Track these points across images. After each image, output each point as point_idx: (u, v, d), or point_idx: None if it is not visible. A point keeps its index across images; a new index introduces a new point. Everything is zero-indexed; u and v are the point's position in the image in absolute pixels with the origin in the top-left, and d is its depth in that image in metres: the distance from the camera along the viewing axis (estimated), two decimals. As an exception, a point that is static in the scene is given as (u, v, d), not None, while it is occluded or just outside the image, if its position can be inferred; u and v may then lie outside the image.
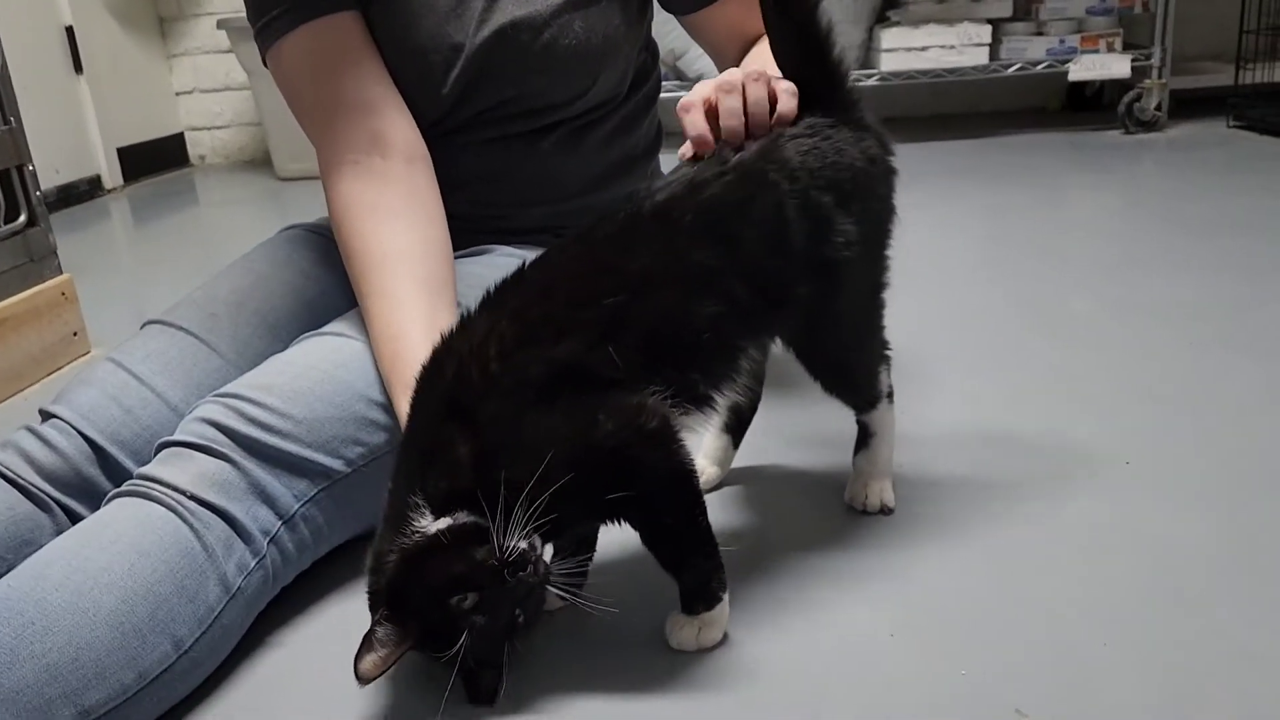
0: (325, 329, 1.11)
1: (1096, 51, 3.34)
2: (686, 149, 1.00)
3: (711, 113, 0.99)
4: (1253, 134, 3.19)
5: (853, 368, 1.07)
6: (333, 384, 1.02)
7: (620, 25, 1.25)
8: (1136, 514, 1.10)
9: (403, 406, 0.94)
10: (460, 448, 0.84)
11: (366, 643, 0.81)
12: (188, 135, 4.30)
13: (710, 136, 0.98)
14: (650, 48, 1.36)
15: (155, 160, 4.06)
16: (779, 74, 1.01)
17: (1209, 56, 3.59)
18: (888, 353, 1.10)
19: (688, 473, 0.87)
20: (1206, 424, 1.30)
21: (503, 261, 1.22)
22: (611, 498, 0.84)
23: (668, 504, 0.87)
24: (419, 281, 1.06)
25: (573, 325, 0.86)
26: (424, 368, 0.90)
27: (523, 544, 0.80)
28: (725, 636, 0.92)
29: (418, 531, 0.82)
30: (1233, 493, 1.13)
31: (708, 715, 0.84)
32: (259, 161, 4.19)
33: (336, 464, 1.01)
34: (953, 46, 3.33)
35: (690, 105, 0.99)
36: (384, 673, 0.82)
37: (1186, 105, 3.42)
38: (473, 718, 0.86)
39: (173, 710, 0.88)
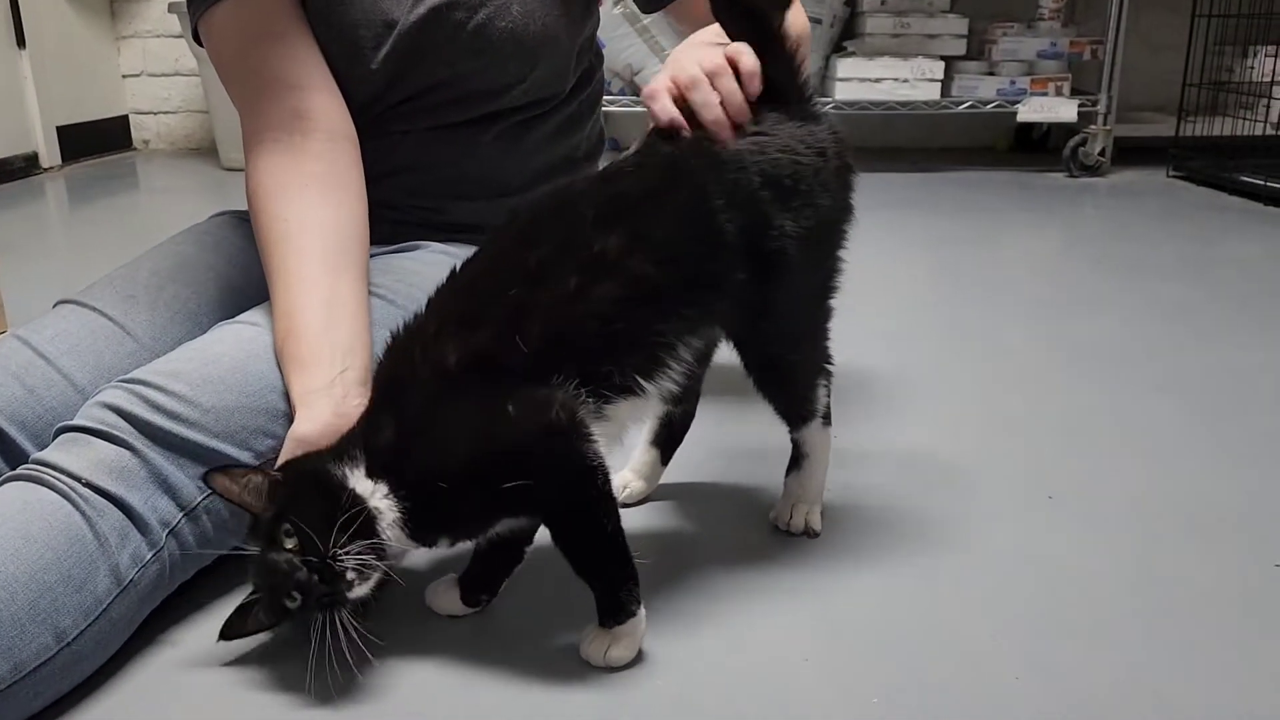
0: (241, 317, 1.08)
1: (1045, 94, 3.40)
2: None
3: (678, 101, 0.98)
4: (1191, 184, 3.26)
5: (790, 371, 1.04)
6: (244, 374, 0.99)
7: (560, 17, 1.23)
8: (1056, 547, 1.10)
9: (294, 385, 0.97)
10: (387, 432, 0.86)
11: (234, 474, 0.87)
12: (132, 119, 4.21)
13: (683, 120, 0.97)
14: (595, 51, 1.35)
15: (97, 141, 3.96)
16: (726, 39, 1.01)
17: (1152, 107, 3.68)
18: (829, 366, 1.08)
19: (593, 468, 0.84)
20: (1128, 461, 1.31)
21: (433, 258, 1.20)
22: (512, 488, 0.83)
23: (573, 500, 0.85)
24: (320, 258, 1.04)
25: (483, 318, 0.87)
26: (382, 355, 0.93)
27: (350, 573, 0.83)
28: (640, 655, 0.90)
29: (338, 473, 0.86)
30: (1150, 529, 1.13)
31: (612, 733, 0.82)
32: (205, 150, 4.11)
33: (244, 455, 0.98)
34: (906, 80, 3.36)
35: (656, 93, 0.98)
36: (224, 498, 0.89)
37: (1129, 153, 3.49)
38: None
39: (53, 706, 0.84)
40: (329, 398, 0.96)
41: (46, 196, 3.36)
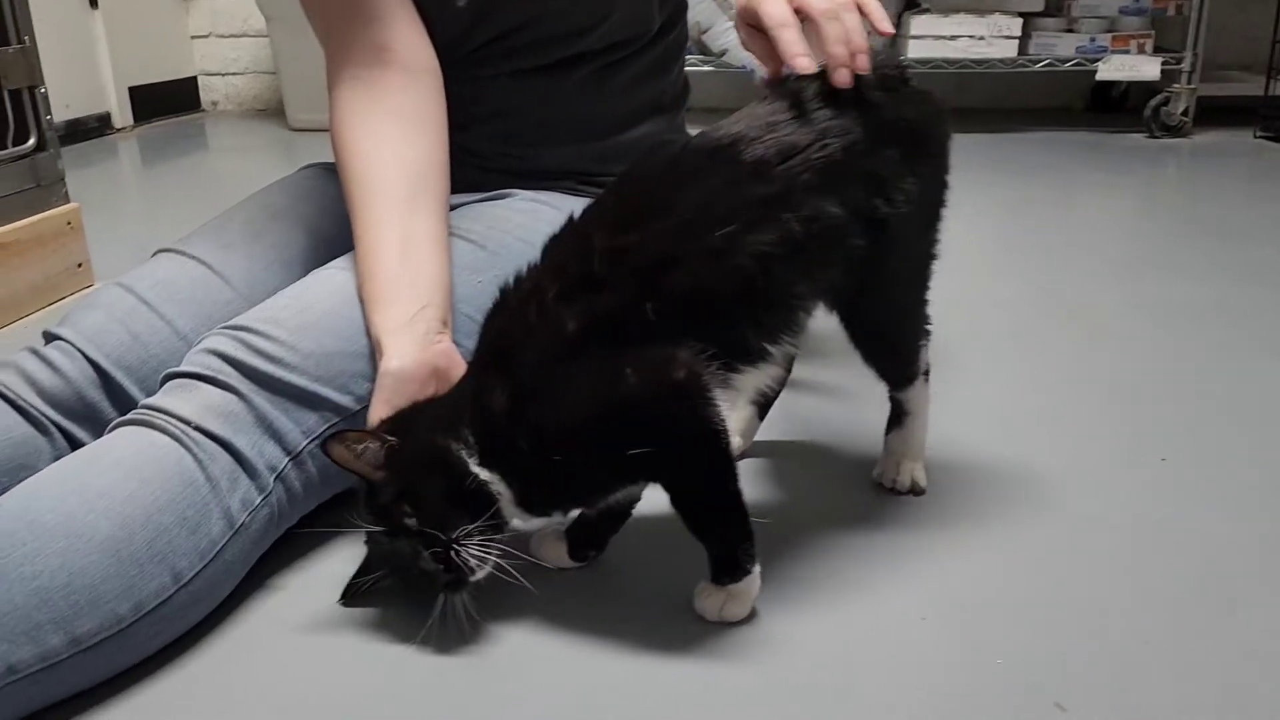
0: (332, 264, 1.07)
1: (1127, 52, 3.29)
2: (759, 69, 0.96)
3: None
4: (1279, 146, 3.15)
5: (898, 337, 1.03)
6: (338, 318, 0.98)
7: None
8: (1176, 511, 1.06)
9: (374, 324, 0.96)
10: (498, 396, 0.83)
11: (350, 441, 0.84)
12: (201, 80, 4.23)
13: (812, 60, 0.91)
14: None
15: (166, 102, 3.99)
16: None
17: (1238, 65, 3.55)
18: (929, 328, 1.06)
19: (715, 432, 0.82)
20: (1241, 424, 1.26)
21: (523, 205, 1.18)
22: (635, 454, 0.80)
23: (694, 464, 0.83)
24: (395, 196, 1.03)
25: (611, 279, 0.83)
26: (490, 310, 0.90)
27: (473, 562, 0.82)
28: (754, 612, 0.88)
29: (458, 455, 0.84)
30: (1272, 493, 1.09)
31: (729, 689, 0.80)
32: (271, 111, 4.13)
33: (346, 399, 0.97)
34: (982, 38, 3.27)
35: (786, 22, 0.92)
36: (341, 466, 0.85)
37: (1212, 113, 3.37)
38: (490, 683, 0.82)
39: (168, 648, 0.84)
40: (411, 334, 0.94)
41: (120, 156, 3.39)
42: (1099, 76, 3.31)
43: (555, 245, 0.90)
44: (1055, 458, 1.18)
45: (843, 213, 0.87)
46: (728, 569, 0.86)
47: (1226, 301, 1.73)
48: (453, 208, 1.21)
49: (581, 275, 0.84)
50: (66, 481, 0.82)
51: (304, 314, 0.98)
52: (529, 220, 1.15)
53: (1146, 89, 3.40)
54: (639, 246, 0.83)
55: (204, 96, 4.25)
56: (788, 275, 0.85)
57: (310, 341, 0.96)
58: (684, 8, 1.33)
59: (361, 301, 0.99)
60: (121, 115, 3.70)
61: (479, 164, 1.21)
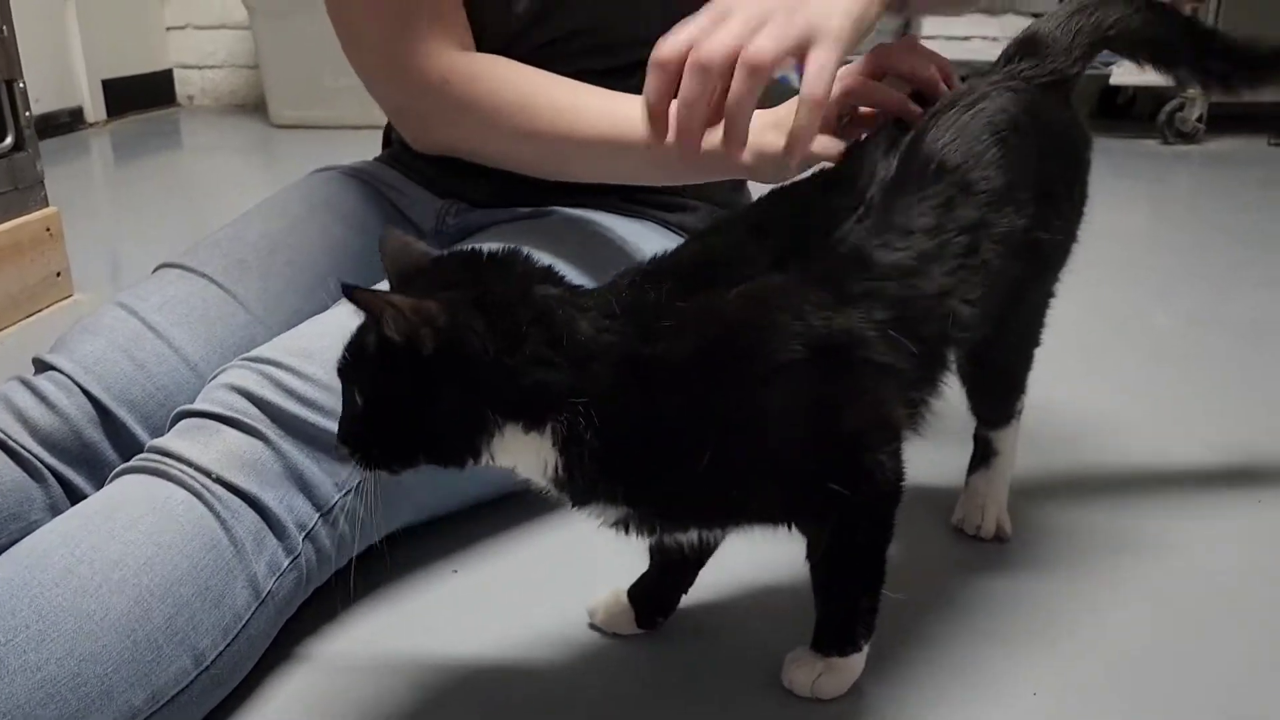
0: (375, 287, 0.95)
1: (1140, 56, 3.21)
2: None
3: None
4: (1295, 153, 3.09)
5: (1018, 371, 0.94)
6: None
7: None
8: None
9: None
10: (666, 323, 0.66)
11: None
12: (177, 73, 4.07)
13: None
14: None
15: (141, 96, 3.83)
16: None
17: (1248, 71, 3.48)
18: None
19: (900, 488, 0.72)
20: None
21: (617, 221, 1.09)
22: (804, 490, 0.69)
23: (867, 517, 0.72)
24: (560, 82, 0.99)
25: (856, 292, 0.69)
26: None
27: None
28: (854, 689, 0.77)
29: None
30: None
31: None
32: (250, 106, 3.98)
33: (385, 446, 0.86)
34: (995, 39, 3.19)
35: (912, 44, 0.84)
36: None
37: (1224, 120, 3.30)
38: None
39: (183, 738, 0.73)
40: None
41: (92, 152, 3.25)
42: (1113, 80, 3.23)
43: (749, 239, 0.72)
44: (1133, 492, 1.09)
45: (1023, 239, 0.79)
46: (839, 638, 0.75)
47: (1254, 312, 1.65)
48: (481, 228, 1.10)
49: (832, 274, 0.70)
50: (75, 546, 0.70)
51: (338, 346, 0.86)
52: (577, 237, 1.04)
53: (1154, 95, 3.32)
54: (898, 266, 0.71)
55: (180, 90, 4.09)
56: (975, 309, 0.76)
57: (346, 379, 0.84)
58: None
59: (600, 139, 0.94)
60: (95, 109, 3.55)
61: (527, 176, 1.09)
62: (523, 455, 0.66)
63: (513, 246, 0.68)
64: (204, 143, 3.53)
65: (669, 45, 0.73)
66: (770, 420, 0.66)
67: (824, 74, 0.71)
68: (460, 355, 0.62)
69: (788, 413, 0.66)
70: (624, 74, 1.10)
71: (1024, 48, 0.86)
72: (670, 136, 0.75)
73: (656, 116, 0.75)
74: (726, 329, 0.66)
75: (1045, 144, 0.82)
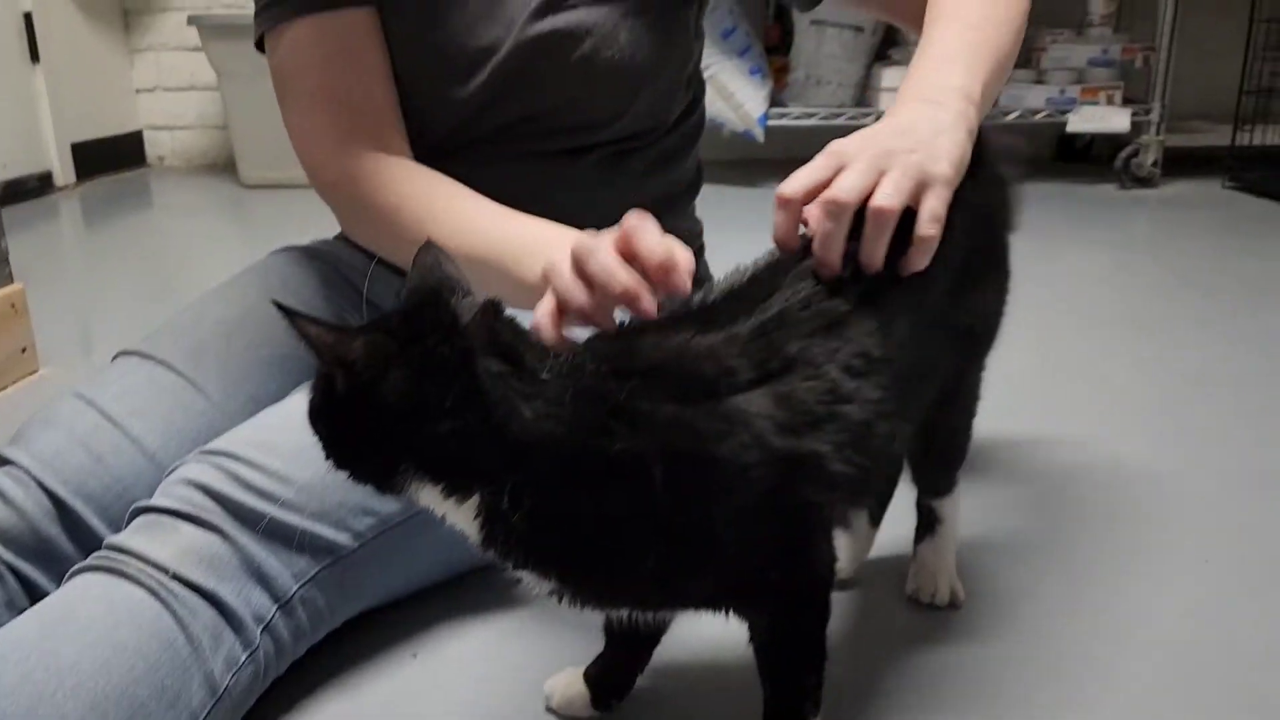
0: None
1: (1096, 103, 3.28)
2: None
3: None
4: (1249, 196, 3.15)
5: (960, 442, 0.97)
6: None
7: (665, 45, 1.12)
8: (1238, 617, 0.98)
9: (520, 244, 0.91)
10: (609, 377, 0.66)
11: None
12: (146, 134, 4.09)
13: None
14: (699, 82, 1.24)
15: (110, 159, 3.84)
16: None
17: (1204, 116, 3.56)
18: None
19: (834, 574, 0.75)
20: (1263, 512, 1.19)
21: None
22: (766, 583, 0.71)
23: (800, 602, 0.73)
24: (464, 194, 1.01)
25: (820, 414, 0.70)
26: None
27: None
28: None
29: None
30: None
31: None
32: (220, 166, 4.00)
33: (343, 538, 0.87)
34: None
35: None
36: None
37: (1179, 164, 3.37)
38: None
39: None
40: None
41: (61, 218, 3.25)
42: (1069, 128, 3.30)
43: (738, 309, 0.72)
44: (1083, 543, 1.10)
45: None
46: (788, 717, 0.76)
47: (1218, 361, 1.68)
48: None
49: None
50: (30, 651, 0.71)
51: (301, 435, 0.87)
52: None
53: (1111, 139, 3.39)
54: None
55: (149, 151, 4.11)
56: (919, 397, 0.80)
57: (306, 470, 0.85)
58: (703, 92, 1.25)
59: (487, 262, 0.92)
60: (64, 173, 3.55)
61: None
62: (447, 512, 0.66)
63: (494, 301, 0.65)
64: (175, 203, 3.54)
65: (793, 185, 0.76)
66: (719, 524, 0.67)
67: (938, 219, 0.76)
68: (373, 402, 0.62)
69: (739, 518, 0.67)
70: (575, 155, 1.13)
71: None
72: None
73: (785, 249, 0.77)
74: (692, 444, 0.65)
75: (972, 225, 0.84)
